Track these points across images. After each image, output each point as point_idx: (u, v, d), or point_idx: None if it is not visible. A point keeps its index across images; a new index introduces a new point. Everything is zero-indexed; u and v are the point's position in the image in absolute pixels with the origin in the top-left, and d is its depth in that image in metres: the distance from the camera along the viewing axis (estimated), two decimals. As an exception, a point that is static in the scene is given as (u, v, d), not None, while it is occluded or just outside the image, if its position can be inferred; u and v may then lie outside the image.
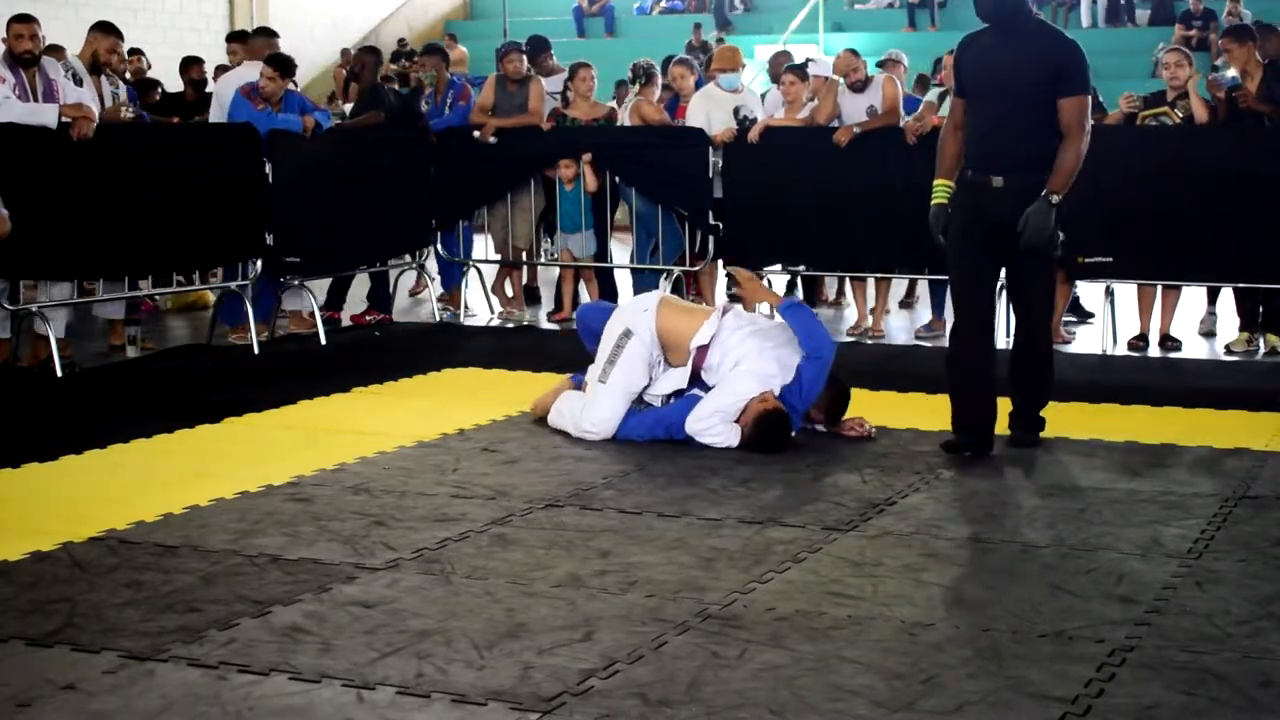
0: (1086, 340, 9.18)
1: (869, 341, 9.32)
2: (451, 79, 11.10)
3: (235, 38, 11.09)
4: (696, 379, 6.37)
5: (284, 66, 9.23)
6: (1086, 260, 8.81)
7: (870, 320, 9.65)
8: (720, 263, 9.88)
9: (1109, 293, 9.02)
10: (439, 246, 10.49)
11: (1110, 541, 4.83)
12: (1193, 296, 9.75)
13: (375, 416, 6.97)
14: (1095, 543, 4.82)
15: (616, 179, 9.92)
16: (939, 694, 3.54)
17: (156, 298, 10.20)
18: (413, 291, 11.48)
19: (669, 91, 10.70)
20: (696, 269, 9.85)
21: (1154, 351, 8.91)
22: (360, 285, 10.54)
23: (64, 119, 7.92)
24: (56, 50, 9.41)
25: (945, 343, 9.26)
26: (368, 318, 10.16)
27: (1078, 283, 9.30)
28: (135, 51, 12.40)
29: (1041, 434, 6.30)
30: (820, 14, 22.31)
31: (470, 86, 11.09)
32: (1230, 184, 8.47)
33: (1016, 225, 5.90)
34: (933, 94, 10.32)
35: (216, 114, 9.61)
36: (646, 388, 6.43)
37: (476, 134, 10.12)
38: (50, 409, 7.21)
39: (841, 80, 9.66)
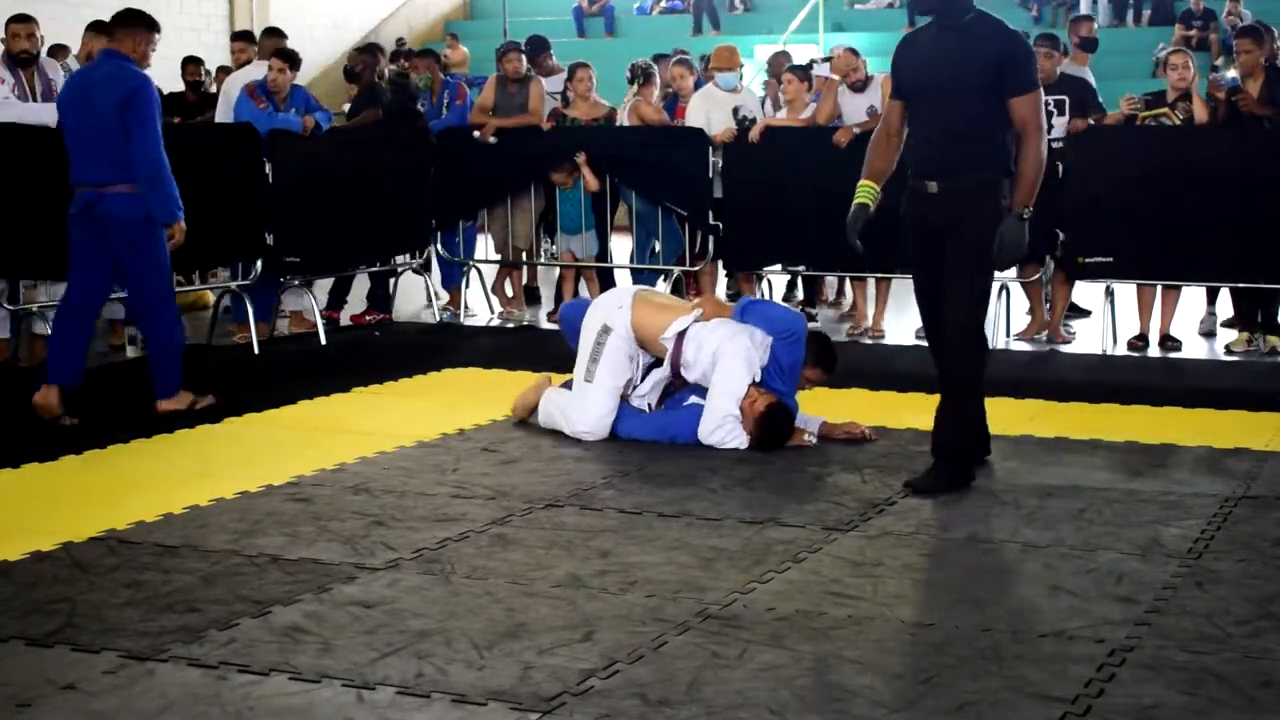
0: (1086, 340, 9.17)
1: (869, 341, 9.32)
2: (446, 79, 11.11)
3: (240, 36, 11.09)
4: (676, 375, 6.36)
5: (291, 59, 9.27)
6: (1086, 260, 8.82)
7: (870, 320, 9.65)
8: (720, 263, 9.89)
9: (1109, 293, 9.02)
10: (439, 246, 10.49)
11: (1110, 541, 4.83)
12: (1193, 296, 9.75)
13: (375, 416, 6.97)
14: (1095, 543, 4.82)
15: (616, 179, 9.92)
16: (939, 694, 3.54)
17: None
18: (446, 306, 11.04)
19: (662, 90, 10.69)
20: (696, 269, 9.85)
21: (1154, 351, 8.91)
22: (360, 285, 10.54)
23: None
24: (62, 50, 9.42)
25: (945, 343, 9.31)
26: (368, 318, 10.16)
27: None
28: (193, 60, 12.35)
29: (950, 487, 5.51)
30: (820, 14, 22.31)
31: (466, 86, 11.10)
32: (1230, 184, 8.46)
33: (951, 230, 5.51)
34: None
35: (224, 113, 9.60)
36: (635, 389, 6.44)
37: (476, 134, 10.12)
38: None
39: (841, 80, 9.66)
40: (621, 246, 10.68)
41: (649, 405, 6.43)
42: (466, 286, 10.62)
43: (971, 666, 3.71)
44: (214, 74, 12.30)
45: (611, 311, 6.45)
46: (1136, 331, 9.03)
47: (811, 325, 9.85)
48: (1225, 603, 4.22)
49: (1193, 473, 5.85)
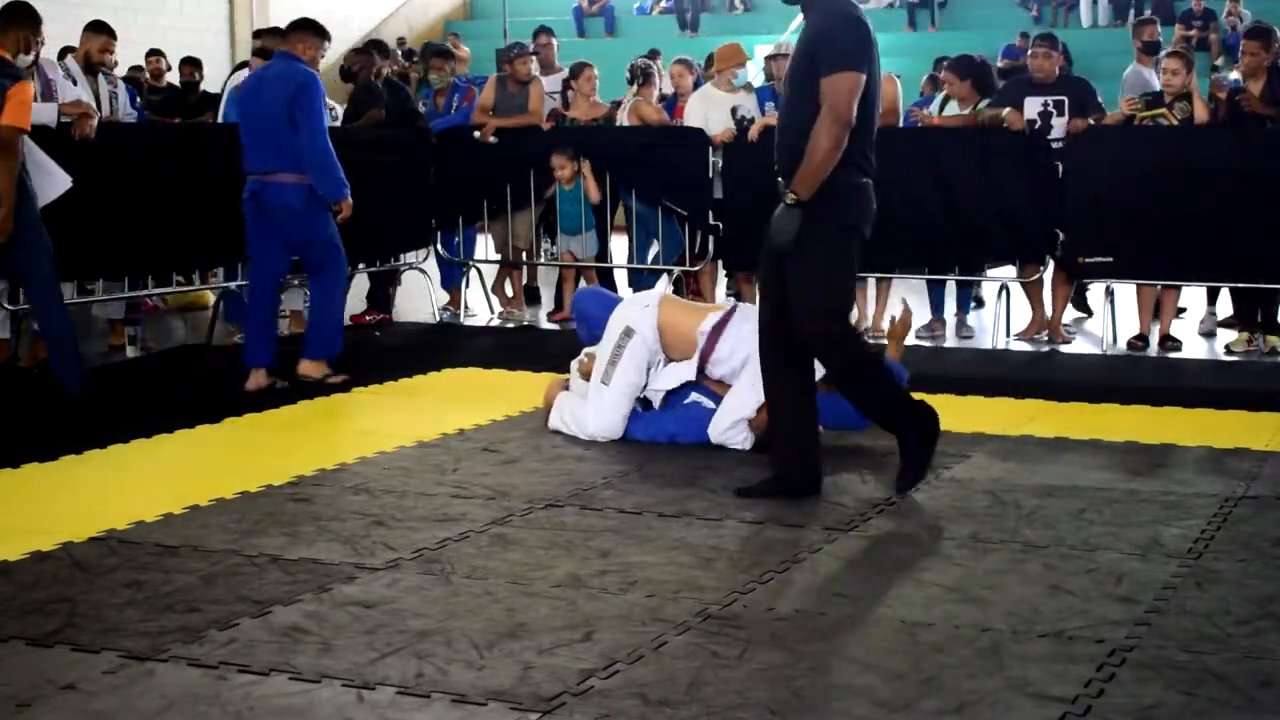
0: (1086, 340, 9.17)
1: (869, 341, 9.30)
2: (455, 81, 11.12)
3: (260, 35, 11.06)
4: (700, 371, 6.32)
5: None
6: (1086, 260, 8.82)
7: (870, 320, 9.65)
8: (720, 263, 9.89)
9: (1109, 293, 9.02)
10: (439, 246, 10.49)
11: (1110, 541, 4.83)
12: (1193, 296, 9.76)
13: (375, 416, 6.97)
14: (1095, 543, 4.82)
15: (616, 179, 9.92)
16: (939, 694, 3.54)
17: (156, 297, 10.18)
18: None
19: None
20: (696, 269, 9.85)
21: (1154, 351, 8.92)
22: (359, 285, 10.54)
23: (64, 118, 7.91)
24: (70, 52, 9.43)
25: (946, 343, 9.32)
26: (368, 318, 10.16)
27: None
28: (155, 53, 12.37)
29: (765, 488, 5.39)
30: (820, 14, 22.28)
31: (474, 88, 11.10)
32: (1230, 184, 8.47)
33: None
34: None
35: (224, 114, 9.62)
36: (648, 384, 6.43)
37: (477, 134, 10.13)
38: (50, 409, 7.20)
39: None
40: (621, 246, 10.69)
41: (660, 398, 6.41)
42: (466, 286, 10.62)
43: (971, 666, 3.71)
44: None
45: (636, 311, 6.40)
46: (1136, 331, 9.03)
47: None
48: (1225, 603, 4.22)
49: (1193, 473, 5.85)
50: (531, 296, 11.19)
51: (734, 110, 9.71)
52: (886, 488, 5.53)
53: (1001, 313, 9.20)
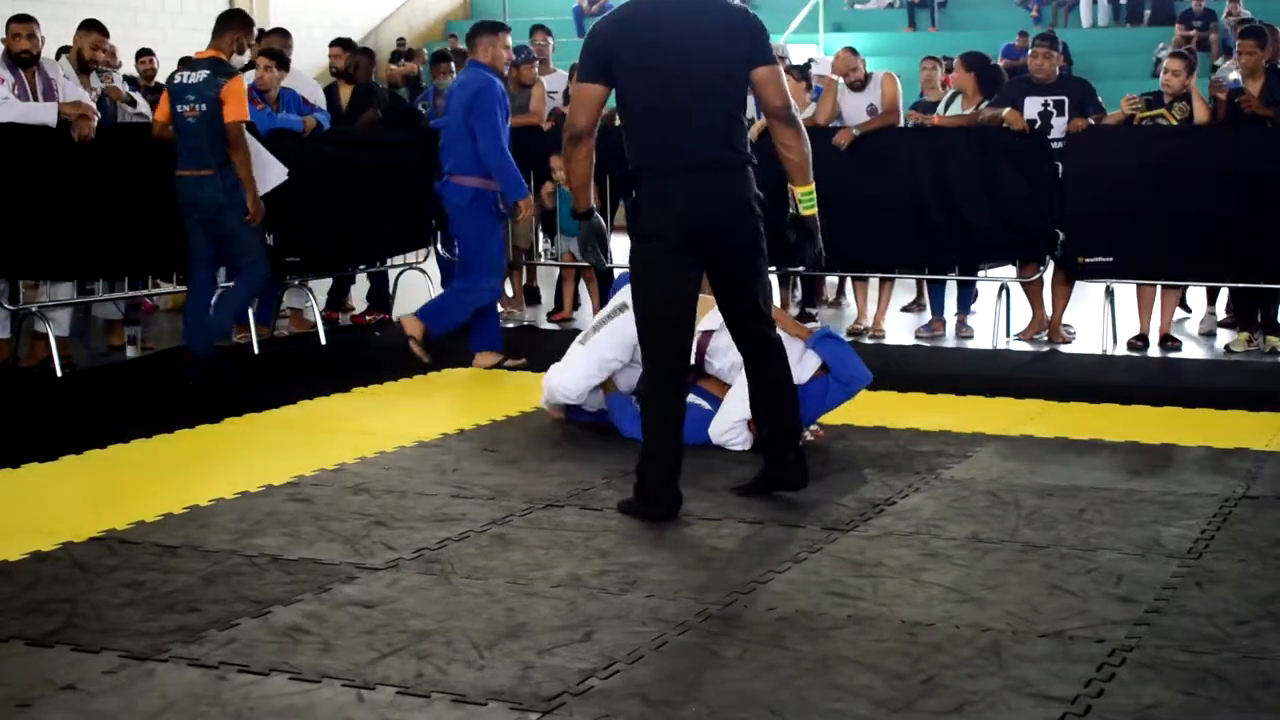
0: (1086, 340, 9.18)
1: (869, 341, 9.31)
2: None
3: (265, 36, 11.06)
4: (698, 368, 6.32)
5: (279, 58, 9.27)
6: (1086, 260, 8.82)
7: (870, 320, 9.65)
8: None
9: (1109, 293, 9.02)
10: (439, 246, 10.49)
11: (1110, 541, 4.83)
12: (1193, 297, 9.76)
13: (375, 416, 6.97)
14: (1095, 543, 4.82)
15: (616, 179, 9.91)
16: (939, 694, 3.54)
17: (156, 297, 10.18)
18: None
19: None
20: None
21: (1154, 351, 8.92)
22: (359, 285, 10.55)
23: (64, 117, 7.91)
24: (69, 52, 9.42)
25: (946, 343, 9.32)
26: (368, 318, 10.16)
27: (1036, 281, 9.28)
28: (146, 52, 12.35)
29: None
30: (820, 14, 22.31)
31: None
32: (1230, 184, 8.47)
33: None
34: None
35: None
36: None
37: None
38: (50, 409, 7.21)
39: (840, 80, 9.66)
40: (621, 246, 10.67)
41: None
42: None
43: (971, 666, 3.71)
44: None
45: None
46: (1136, 331, 9.03)
47: (811, 325, 9.88)
48: (1225, 603, 4.22)
49: (1193, 473, 5.85)
50: (531, 296, 11.18)
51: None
52: (887, 488, 5.54)
53: (1001, 313, 9.20)
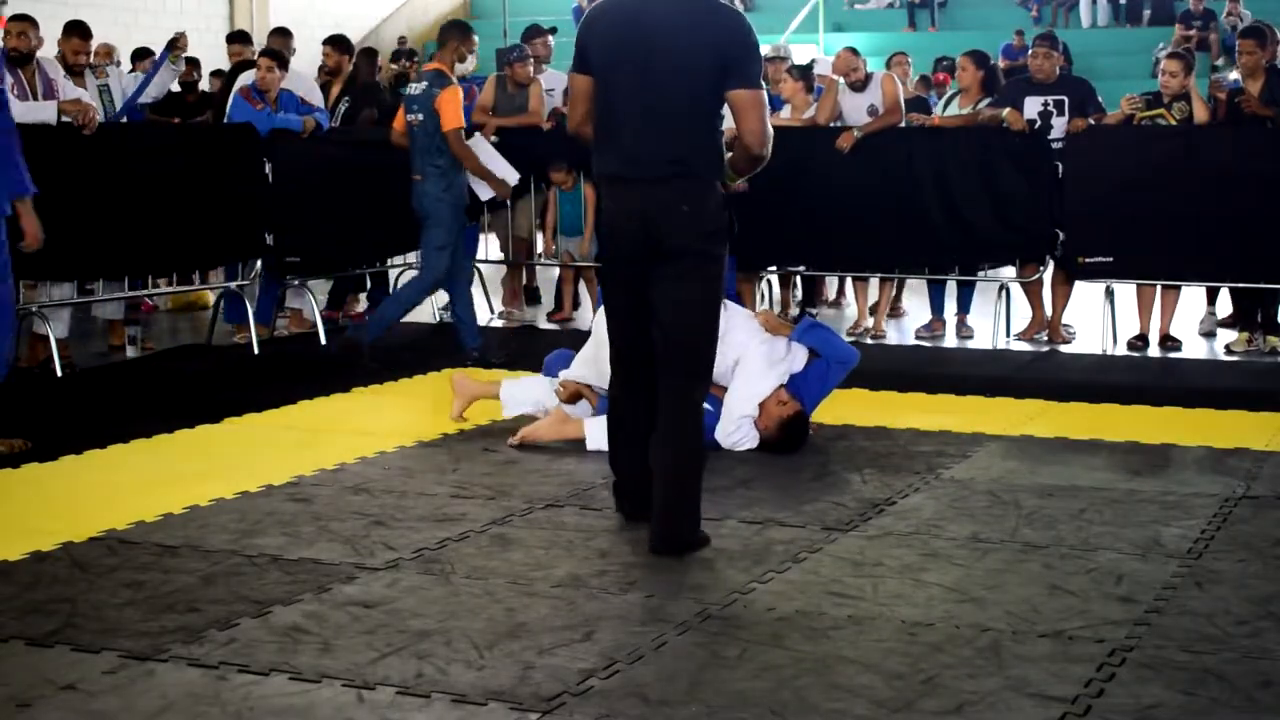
0: (1086, 340, 9.17)
1: (869, 341, 9.31)
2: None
3: (237, 38, 11.09)
4: None
5: (279, 58, 9.28)
6: (1086, 260, 8.82)
7: (870, 320, 9.65)
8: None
9: (1109, 293, 9.02)
10: (439, 246, 10.47)
11: (1110, 541, 4.83)
12: (1193, 296, 9.75)
13: (375, 416, 6.97)
14: (1095, 543, 4.82)
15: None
16: (939, 694, 3.54)
17: (156, 297, 10.18)
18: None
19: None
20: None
21: (1154, 351, 8.91)
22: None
23: (64, 117, 7.91)
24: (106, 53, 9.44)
25: (946, 342, 9.32)
26: (367, 318, 10.15)
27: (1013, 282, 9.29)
28: (145, 53, 12.33)
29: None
30: (820, 14, 22.31)
31: (474, 87, 11.09)
32: (1230, 184, 8.46)
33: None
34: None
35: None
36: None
37: (478, 134, 10.11)
38: (50, 409, 7.21)
39: (841, 80, 9.66)
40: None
41: None
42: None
43: (971, 666, 3.71)
44: (208, 78, 12.29)
45: None
46: (1136, 331, 9.03)
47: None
48: (1225, 603, 4.22)
49: (1193, 473, 5.85)
50: (531, 296, 11.18)
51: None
52: (886, 488, 5.54)
53: (1001, 313, 9.19)
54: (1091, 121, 8.95)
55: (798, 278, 10.34)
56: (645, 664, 3.72)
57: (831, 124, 9.50)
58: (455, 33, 8.65)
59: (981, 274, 9.66)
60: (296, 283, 9.50)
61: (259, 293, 9.47)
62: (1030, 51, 9.60)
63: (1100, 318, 9.05)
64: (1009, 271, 9.57)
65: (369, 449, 6.13)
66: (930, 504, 5.33)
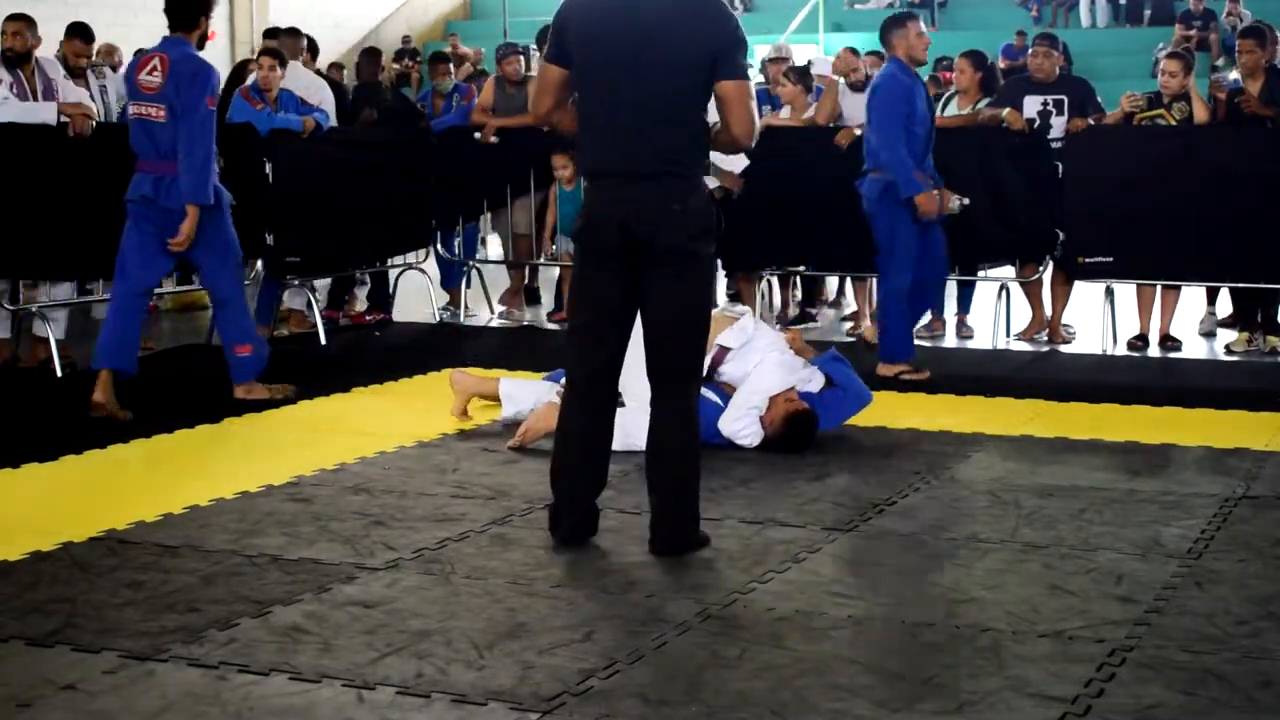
0: (1086, 340, 9.17)
1: (869, 341, 9.30)
2: (456, 84, 11.14)
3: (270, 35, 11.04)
4: (707, 378, 6.32)
5: (280, 58, 9.29)
6: (1086, 260, 8.82)
7: (870, 320, 9.64)
8: (720, 261, 9.88)
9: (1109, 293, 9.02)
10: (439, 246, 10.49)
11: (1110, 541, 4.83)
12: (1193, 296, 9.75)
13: (375, 416, 6.97)
14: (1095, 543, 4.82)
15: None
16: (939, 694, 3.54)
17: (156, 297, 10.17)
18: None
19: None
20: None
21: (1154, 351, 8.91)
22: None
23: (63, 117, 7.91)
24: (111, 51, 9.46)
25: (946, 342, 9.32)
26: (368, 318, 10.16)
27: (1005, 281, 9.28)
28: (141, 53, 12.31)
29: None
30: (820, 14, 22.31)
31: (474, 87, 11.12)
32: (1230, 184, 8.46)
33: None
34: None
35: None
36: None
37: (477, 135, 10.13)
38: (50, 409, 7.21)
39: (841, 80, 9.66)
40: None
41: None
42: (467, 286, 10.62)
43: (971, 666, 3.71)
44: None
45: None
46: (1136, 331, 9.03)
47: (811, 325, 9.90)
48: (1225, 603, 4.22)
49: (1193, 473, 5.85)
50: (531, 296, 11.18)
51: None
52: (887, 488, 5.54)
53: (1001, 312, 9.19)
54: (1091, 121, 8.95)
55: (797, 278, 10.34)
56: (645, 664, 3.72)
57: (831, 124, 9.49)
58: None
59: (981, 274, 9.66)
60: (296, 283, 9.50)
61: (259, 293, 9.46)
62: (1030, 51, 9.60)
63: (1100, 318, 9.05)
64: (1009, 271, 9.57)
65: (369, 449, 6.13)
66: (930, 504, 5.33)
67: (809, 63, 11.44)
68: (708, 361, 6.15)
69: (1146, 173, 8.60)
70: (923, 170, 7.76)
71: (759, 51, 19.40)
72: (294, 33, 10.38)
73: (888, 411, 6.90)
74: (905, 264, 7.80)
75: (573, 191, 9.92)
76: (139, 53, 12.43)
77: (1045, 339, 9.19)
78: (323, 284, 10.60)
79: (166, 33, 7.09)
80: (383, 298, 10.41)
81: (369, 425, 6.69)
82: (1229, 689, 3.58)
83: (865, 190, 7.95)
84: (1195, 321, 9.60)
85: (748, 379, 6.16)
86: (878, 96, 7.83)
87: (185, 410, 6.91)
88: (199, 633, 3.94)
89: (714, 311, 5.11)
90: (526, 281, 11.05)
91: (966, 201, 8.17)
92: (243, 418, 6.85)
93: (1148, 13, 22.47)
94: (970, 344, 9.27)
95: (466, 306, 10.52)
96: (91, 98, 8.60)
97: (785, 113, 9.87)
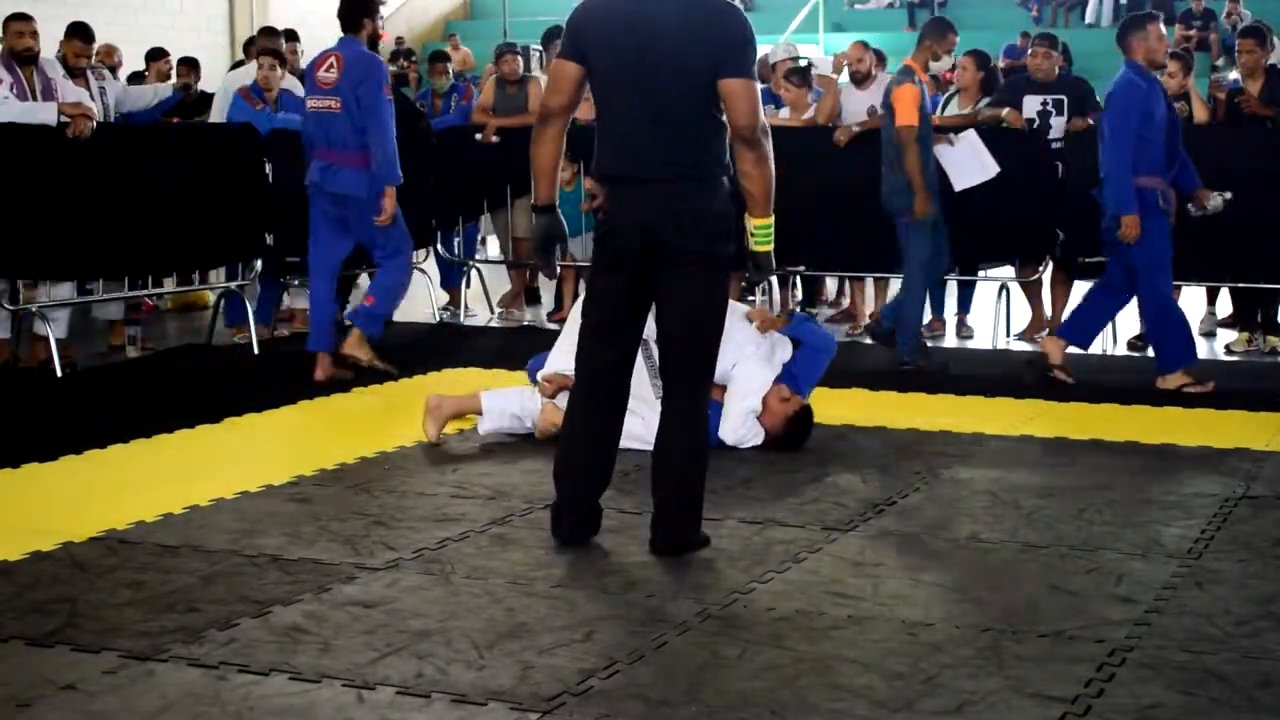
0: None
1: (869, 342, 9.31)
2: (454, 83, 11.13)
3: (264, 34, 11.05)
4: None
5: (282, 58, 9.29)
6: (1086, 260, 8.82)
7: (869, 320, 9.64)
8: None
9: (1109, 292, 9.00)
10: (439, 246, 10.49)
11: (1110, 541, 4.83)
12: (1193, 296, 9.75)
13: (376, 416, 6.97)
14: (1095, 543, 4.82)
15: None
16: (939, 694, 3.54)
17: (156, 298, 10.18)
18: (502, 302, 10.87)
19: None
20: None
21: (1154, 351, 8.90)
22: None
23: (63, 118, 7.91)
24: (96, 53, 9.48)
25: (946, 342, 9.32)
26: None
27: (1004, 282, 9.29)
28: (160, 53, 12.28)
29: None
30: (820, 14, 22.32)
31: (473, 86, 11.11)
32: (1230, 184, 8.44)
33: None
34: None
35: (216, 114, 9.65)
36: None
37: (478, 135, 10.13)
38: (50, 409, 7.21)
39: (845, 77, 9.66)
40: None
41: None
42: (467, 286, 10.61)
43: (971, 666, 3.71)
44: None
45: None
46: (1136, 332, 9.03)
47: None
48: (1225, 603, 4.22)
49: (1193, 473, 5.85)
50: (531, 296, 11.19)
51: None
52: (887, 488, 5.54)
53: (1001, 312, 9.19)
54: (1090, 121, 8.95)
55: (797, 278, 10.34)
56: (645, 664, 3.72)
57: (830, 124, 9.49)
58: (931, 30, 8.31)
59: (981, 274, 9.66)
60: (296, 283, 9.49)
61: (258, 293, 9.46)
62: (1030, 51, 9.60)
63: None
64: (1009, 271, 9.57)
65: (369, 449, 6.13)
66: (930, 504, 5.33)
67: (809, 63, 11.43)
68: None
69: (1146, 173, 8.58)
70: (1165, 177, 7.47)
71: (759, 51, 19.44)
72: (288, 35, 10.37)
73: (888, 411, 6.91)
74: (1165, 270, 7.53)
75: (572, 192, 9.92)
76: (152, 52, 12.48)
77: (1045, 339, 9.18)
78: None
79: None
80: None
81: (369, 425, 6.69)
82: (1229, 689, 3.58)
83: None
84: (1195, 321, 9.59)
85: (734, 383, 6.15)
86: (1112, 109, 7.44)
87: (185, 410, 6.91)
88: (199, 633, 3.94)
89: None
90: (526, 281, 11.05)
91: (1229, 196, 7.84)
92: (243, 418, 6.85)
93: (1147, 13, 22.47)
94: (970, 344, 9.27)
95: (466, 306, 10.53)
96: (91, 97, 8.58)
97: (785, 113, 9.87)
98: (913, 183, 7.97)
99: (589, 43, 4.62)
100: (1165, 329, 7.59)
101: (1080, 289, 9.36)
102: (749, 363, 6.14)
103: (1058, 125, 8.97)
